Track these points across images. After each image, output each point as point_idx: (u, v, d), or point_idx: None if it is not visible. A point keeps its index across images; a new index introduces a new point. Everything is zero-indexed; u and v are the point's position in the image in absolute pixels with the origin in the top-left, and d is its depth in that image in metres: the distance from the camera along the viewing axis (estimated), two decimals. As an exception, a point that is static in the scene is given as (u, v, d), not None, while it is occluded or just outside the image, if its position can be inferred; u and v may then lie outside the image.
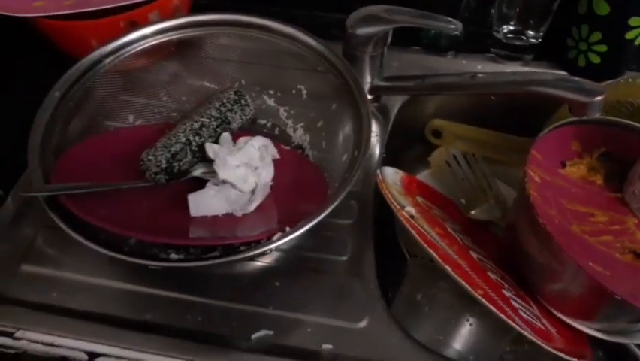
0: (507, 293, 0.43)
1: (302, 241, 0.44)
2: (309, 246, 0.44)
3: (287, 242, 0.37)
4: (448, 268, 0.37)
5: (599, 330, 0.44)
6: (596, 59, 0.54)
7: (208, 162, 0.43)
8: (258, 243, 0.38)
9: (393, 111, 0.56)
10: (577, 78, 0.43)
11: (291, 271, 0.43)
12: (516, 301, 0.43)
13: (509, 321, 0.36)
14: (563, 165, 0.46)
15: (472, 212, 0.56)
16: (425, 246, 0.38)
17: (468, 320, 0.42)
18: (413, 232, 0.39)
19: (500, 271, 0.47)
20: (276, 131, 0.52)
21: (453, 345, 0.42)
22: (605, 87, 0.41)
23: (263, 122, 0.53)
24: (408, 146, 0.63)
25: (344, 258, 0.44)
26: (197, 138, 0.44)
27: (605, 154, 0.47)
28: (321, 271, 0.43)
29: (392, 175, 0.51)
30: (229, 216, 0.41)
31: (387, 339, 0.39)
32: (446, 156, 0.61)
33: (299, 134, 0.51)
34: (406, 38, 0.61)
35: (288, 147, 0.50)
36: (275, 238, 0.36)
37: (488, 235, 0.55)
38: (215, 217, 0.41)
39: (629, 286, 0.38)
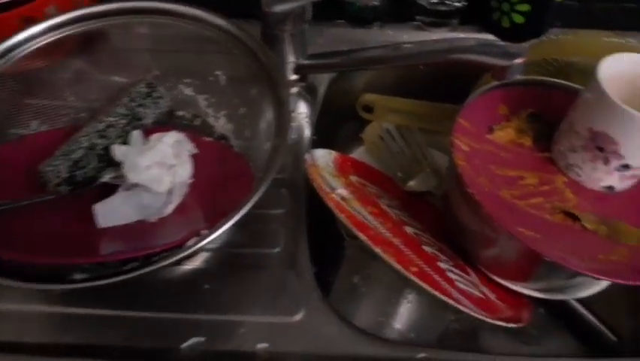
0: (443, 265, 0.42)
1: (230, 236, 0.42)
2: (238, 241, 0.42)
3: (214, 240, 0.35)
4: (378, 250, 0.36)
5: (537, 290, 0.44)
6: (519, 19, 0.54)
7: (118, 165, 0.40)
8: (180, 247, 0.35)
9: (322, 90, 0.54)
10: (496, 42, 0.42)
11: (221, 271, 0.41)
12: (453, 272, 0.43)
13: (443, 297, 0.35)
14: (491, 130, 0.45)
15: (409, 184, 0.55)
16: (354, 229, 0.37)
17: (406, 298, 0.41)
18: (342, 216, 0.38)
19: (438, 243, 0.47)
20: (197, 122, 0.49)
21: (394, 325, 0.41)
22: (525, 49, 0.40)
23: (182, 113, 0.50)
24: (340, 124, 0.61)
25: (277, 250, 0.42)
26: (102, 140, 0.40)
27: (533, 115, 0.46)
28: (253, 266, 0.41)
29: (324, 157, 0.49)
30: (144, 223, 0.38)
31: (324, 329, 0.38)
32: (379, 130, 0.60)
33: (221, 124, 0.48)
34: (330, 12, 0.59)
35: (210, 139, 0.47)
36: (190, 243, 0.34)
37: (426, 205, 0.55)
38: (128, 225, 0.38)
39: (560, 247, 0.38)
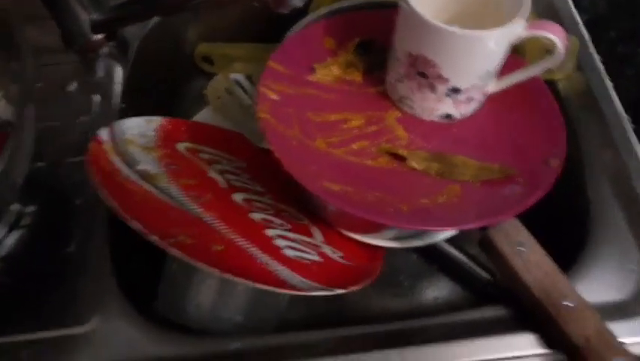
0: (272, 232, 0.37)
1: (14, 240, 0.36)
2: (21, 245, 0.35)
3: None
4: (153, 238, 0.29)
5: (391, 239, 0.39)
6: None
7: None
8: None
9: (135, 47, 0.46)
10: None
11: (4, 282, 0.34)
12: (285, 237, 0.37)
13: (233, 277, 0.29)
14: (313, 70, 0.39)
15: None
16: (124, 215, 0.30)
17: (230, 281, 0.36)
18: (110, 201, 0.31)
19: (279, 204, 0.41)
20: (-21, 108, 0.41)
21: (221, 315, 0.36)
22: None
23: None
24: (182, 82, 0.53)
25: (70, 249, 0.36)
26: None
27: (362, 44, 0.40)
28: (40, 272, 0.35)
29: (138, 127, 0.42)
30: None
31: (120, 336, 0.32)
32: (226, 83, 0.52)
33: (2, 107, 0.40)
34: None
35: (-12, 127, 0.39)
36: None
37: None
38: None
39: (377, 197, 0.32)
